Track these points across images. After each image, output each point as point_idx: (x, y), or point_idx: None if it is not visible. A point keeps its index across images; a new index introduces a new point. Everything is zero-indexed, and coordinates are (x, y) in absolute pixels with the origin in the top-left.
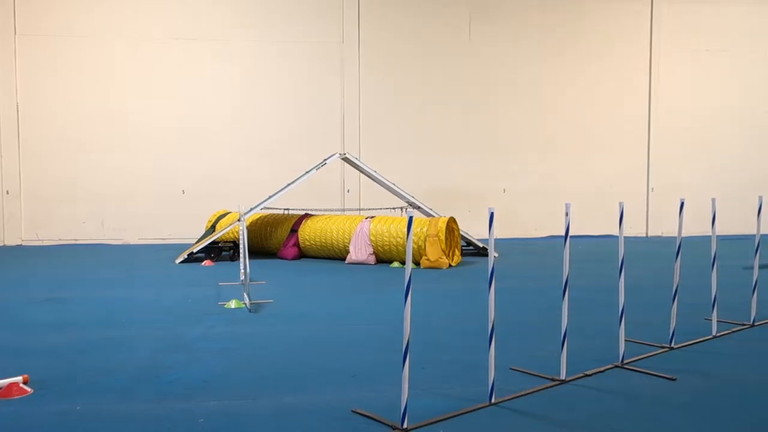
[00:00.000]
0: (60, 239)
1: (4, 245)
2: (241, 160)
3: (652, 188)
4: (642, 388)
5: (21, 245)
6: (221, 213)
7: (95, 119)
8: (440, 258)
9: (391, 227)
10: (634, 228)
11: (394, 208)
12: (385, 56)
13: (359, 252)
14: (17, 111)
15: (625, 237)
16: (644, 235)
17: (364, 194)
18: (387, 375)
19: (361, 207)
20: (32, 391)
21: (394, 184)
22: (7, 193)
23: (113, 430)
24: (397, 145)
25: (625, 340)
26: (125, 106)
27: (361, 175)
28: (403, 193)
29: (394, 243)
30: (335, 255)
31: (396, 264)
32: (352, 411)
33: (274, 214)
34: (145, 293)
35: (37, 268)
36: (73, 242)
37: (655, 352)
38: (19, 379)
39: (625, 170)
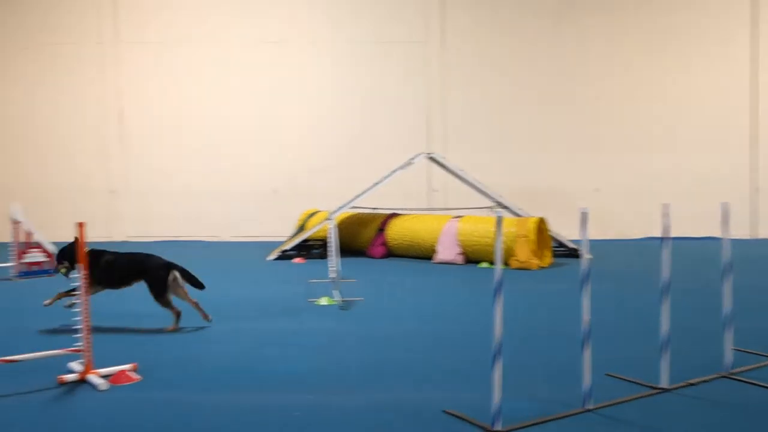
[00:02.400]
0: (161, 236)
1: (112, 241)
2: (330, 159)
3: (757, 188)
4: (752, 400)
5: (126, 241)
6: (311, 212)
7: (193, 121)
8: (530, 259)
9: (479, 227)
10: (737, 230)
11: (481, 208)
12: (469, 54)
13: (447, 251)
14: (122, 115)
15: (729, 239)
16: (748, 237)
17: (451, 194)
18: (477, 375)
19: (448, 207)
20: (140, 378)
21: (480, 183)
22: (114, 191)
23: (214, 419)
24: (484, 144)
25: (732, 349)
26: (221, 108)
27: (448, 174)
28: (490, 193)
29: (482, 243)
30: (423, 254)
31: (484, 264)
32: (444, 411)
33: (361, 214)
34: (240, 288)
35: None
36: (173, 239)
37: (765, 363)
38: (128, 366)
39: (726, 169)
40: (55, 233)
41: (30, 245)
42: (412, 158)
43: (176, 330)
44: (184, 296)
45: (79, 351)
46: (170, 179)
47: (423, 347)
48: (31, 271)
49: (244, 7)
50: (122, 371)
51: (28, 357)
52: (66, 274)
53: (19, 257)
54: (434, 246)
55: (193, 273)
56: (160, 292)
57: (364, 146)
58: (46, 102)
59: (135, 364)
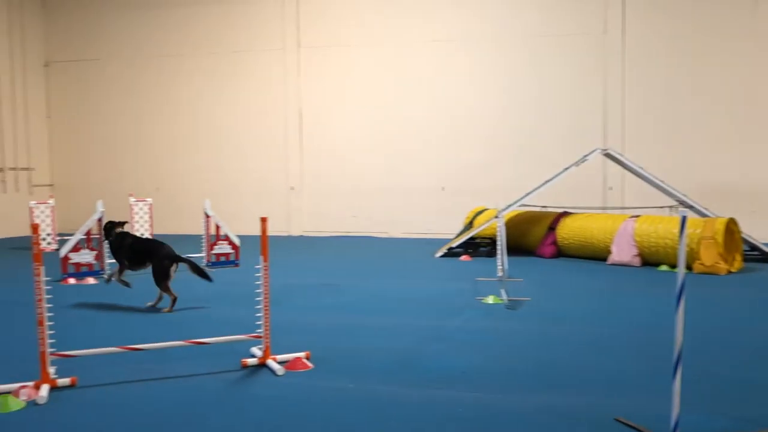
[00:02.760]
0: (335, 231)
1: (290, 235)
2: (499, 156)
3: None
4: None
5: (303, 236)
6: (479, 209)
7: (365, 121)
8: (717, 263)
9: (658, 227)
10: None
11: (661, 207)
12: (653, 44)
13: (623, 252)
14: (300, 116)
15: None
16: None
17: (628, 192)
18: (651, 384)
19: (625, 205)
20: (313, 366)
21: (661, 181)
22: (292, 189)
23: (380, 410)
24: (666, 139)
25: None
26: (391, 107)
27: (625, 171)
28: (672, 191)
29: (662, 244)
30: (595, 255)
31: (664, 267)
32: (615, 419)
33: (531, 212)
34: (407, 284)
35: (316, 257)
36: (346, 234)
37: None
38: (302, 354)
39: None
40: (240, 227)
41: (219, 237)
42: (587, 154)
43: (171, 312)
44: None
45: (259, 337)
46: (343, 177)
47: (592, 351)
48: (220, 261)
49: (415, 9)
50: (297, 358)
51: (216, 340)
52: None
53: (210, 248)
54: (608, 246)
55: (202, 267)
56: (161, 278)
57: (535, 143)
58: (231, 106)
59: (308, 352)
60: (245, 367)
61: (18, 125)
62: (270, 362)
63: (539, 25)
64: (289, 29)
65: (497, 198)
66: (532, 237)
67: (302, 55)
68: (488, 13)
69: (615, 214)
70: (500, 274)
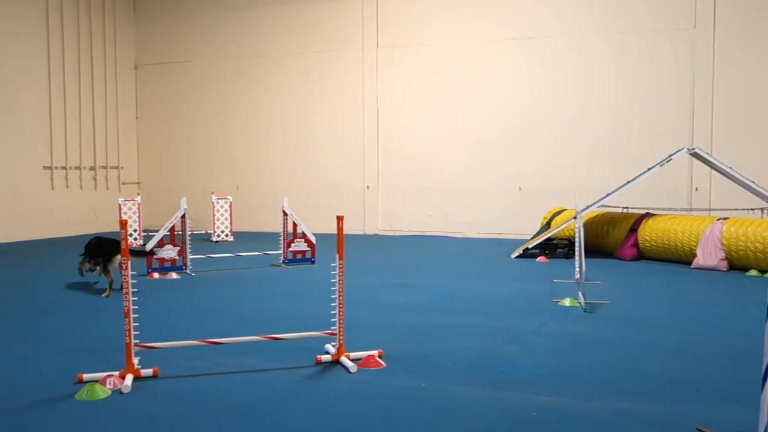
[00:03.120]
0: (409, 230)
1: (365, 234)
2: (578, 156)
3: None
4: None
5: (377, 234)
6: (557, 210)
7: (442, 120)
8: None
9: (748, 230)
10: None
11: (752, 209)
12: (746, 37)
13: (708, 256)
14: (377, 115)
15: None
16: None
17: (715, 193)
18: (736, 393)
19: (711, 207)
20: (386, 364)
21: (752, 181)
22: (368, 188)
23: (452, 410)
24: (757, 138)
25: None
26: (468, 106)
27: (712, 171)
28: (763, 192)
29: (752, 249)
30: (679, 258)
31: (753, 272)
32: (697, 429)
33: (611, 213)
34: (482, 285)
35: (391, 256)
36: (420, 233)
37: None
38: (375, 352)
39: None
40: (316, 225)
41: (296, 235)
42: (672, 154)
43: (108, 296)
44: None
45: (333, 334)
46: (419, 177)
47: (674, 357)
48: (296, 259)
49: (493, 7)
50: (370, 356)
51: (291, 336)
52: (92, 269)
53: (287, 246)
54: (693, 250)
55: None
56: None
57: (617, 141)
58: (310, 105)
59: (381, 350)
60: (319, 363)
61: (109, 126)
62: (343, 359)
63: (621, 21)
64: (368, 29)
65: (576, 198)
66: (611, 239)
67: (380, 55)
68: (566, 10)
69: (701, 216)
70: (578, 276)
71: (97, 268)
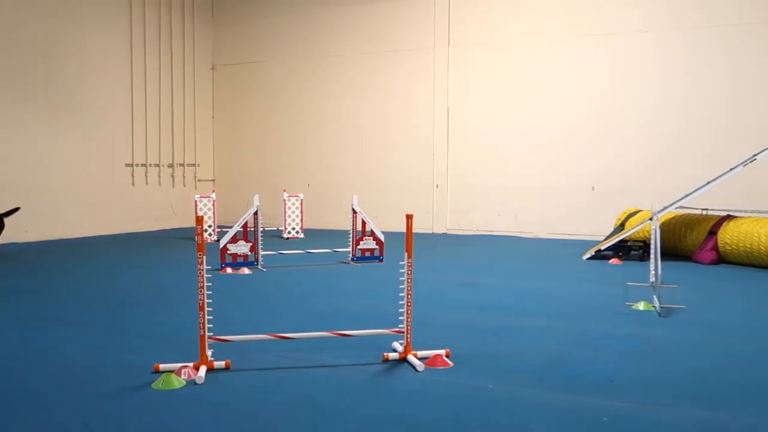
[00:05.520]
0: (478, 229)
1: (433, 232)
2: (655, 155)
3: None
4: None
5: (446, 233)
6: (632, 211)
7: (513, 119)
8: None
9: None
10: None
11: None
12: None
13: None
14: (447, 114)
15: None
16: None
17: None
18: None
19: None
20: (453, 364)
21: None
22: (437, 187)
23: (520, 413)
24: None
25: None
26: (539, 104)
27: None
28: None
29: None
30: (763, 263)
31: None
32: None
33: (689, 214)
34: (552, 286)
35: (459, 255)
36: (489, 233)
37: None
38: (442, 352)
39: None
40: (385, 223)
41: (365, 233)
42: (756, 153)
43: None
44: None
45: (400, 332)
46: (489, 176)
47: (757, 365)
48: (365, 257)
49: (567, 2)
50: (438, 355)
51: (359, 333)
52: None
53: (356, 243)
54: None
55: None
56: None
57: (696, 140)
58: (380, 104)
59: (448, 350)
60: (386, 361)
61: (187, 125)
62: (410, 358)
63: (702, 15)
64: (440, 27)
65: (651, 199)
66: (689, 241)
67: (452, 53)
68: (644, 5)
69: None
70: (653, 279)
71: None
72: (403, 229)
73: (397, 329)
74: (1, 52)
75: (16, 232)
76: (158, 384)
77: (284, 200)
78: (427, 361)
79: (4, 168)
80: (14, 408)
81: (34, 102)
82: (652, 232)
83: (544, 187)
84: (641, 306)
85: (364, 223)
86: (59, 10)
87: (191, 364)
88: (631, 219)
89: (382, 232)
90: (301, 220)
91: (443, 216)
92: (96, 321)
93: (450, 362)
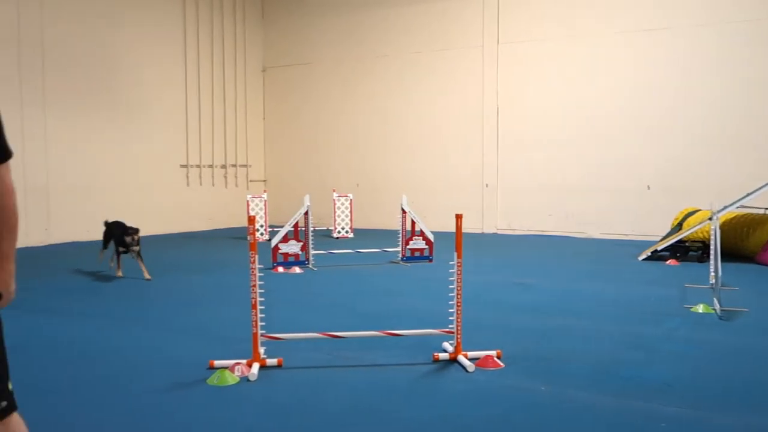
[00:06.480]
0: (529, 229)
1: (483, 233)
2: (714, 154)
3: None
4: None
5: (496, 233)
6: (690, 210)
7: (564, 117)
8: None
9: None
10: None
11: None
12: None
13: None
14: (497, 113)
15: None
16: None
17: None
18: None
19: None
20: (504, 365)
21: None
22: (487, 186)
23: (573, 416)
24: None
25: None
26: (592, 102)
27: None
28: None
29: None
30: None
31: None
32: None
33: (751, 214)
34: (605, 287)
35: (510, 255)
36: (540, 233)
37: None
38: (493, 353)
39: None
40: (434, 223)
41: (414, 233)
42: None
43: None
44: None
45: (451, 332)
46: (539, 175)
47: None
48: (414, 256)
49: None
50: (489, 356)
51: (409, 333)
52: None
53: (406, 243)
54: None
55: None
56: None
57: (758, 137)
58: (429, 103)
59: (499, 351)
60: (436, 361)
61: (239, 126)
62: (461, 358)
63: (764, 6)
64: (489, 26)
65: (710, 198)
66: (751, 242)
67: (501, 51)
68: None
69: None
70: (713, 281)
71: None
72: (453, 229)
73: (447, 329)
74: (65, 60)
75: (77, 231)
76: (213, 380)
77: (334, 200)
78: (477, 361)
79: (72, 169)
80: (76, 400)
81: (96, 106)
82: (712, 232)
83: (597, 185)
84: (700, 308)
85: (413, 223)
86: (117, 18)
87: (244, 361)
88: (690, 219)
89: (432, 232)
90: (351, 219)
91: (493, 216)
92: (151, 318)
93: (501, 363)
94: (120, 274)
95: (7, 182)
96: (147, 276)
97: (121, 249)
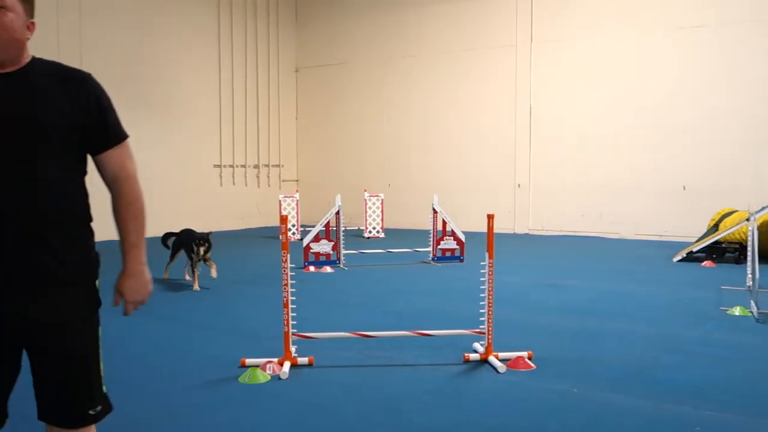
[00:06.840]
0: (561, 230)
1: (515, 233)
2: (752, 154)
3: None
4: None
5: (528, 234)
6: (726, 211)
7: (599, 117)
8: None
9: None
10: None
11: None
12: None
13: None
14: (530, 112)
15: None
16: None
17: None
18: None
19: None
20: (535, 367)
21: None
22: (519, 186)
23: (605, 419)
24: None
25: None
26: (627, 101)
27: None
28: None
29: None
30: None
31: None
32: None
33: None
34: (639, 289)
35: (541, 256)
36: (573, 233)
37: None
38: (524, 354)
39: None
40: (465, 223)
41: (445, 233)
42: None
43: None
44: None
45: (481, 333)
46: (572, 175)
47: None
48: (445, 257)
49: None
50: (520, 357)
51: (440, 333)
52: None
53: (436, 243)
54: None
55: None
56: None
57: None
58: (461, 103)
59: (530, 352)
60: (467, 361)
61: (272, 126)
62: (491, 359)
63: None
64: (523, 25)
65: (747, 198)
66: None
67: (534, 51)
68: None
69: None
70: (750, 283)
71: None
72: (484, 230)
73: (478, 330)
74: (103, 67)
75: (113, 231)
76: (244, 378)
77: (365, 200)
78: (508, 362)
79: None
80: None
81: (133, 111)
82: (749, 233)
83: (631, 186)
84: (737, 311)
85: (444, 223)
86: (154, 20)
87: (276, 360)
88: (726, 220)
89: (463, 233)
90: (382, 219)
91: (525, 216)
92: (184, 316)
93: (532, 365)
94: (197, 287)
95: (126, 166)
96: (214, 274)
97: (194, 257)
